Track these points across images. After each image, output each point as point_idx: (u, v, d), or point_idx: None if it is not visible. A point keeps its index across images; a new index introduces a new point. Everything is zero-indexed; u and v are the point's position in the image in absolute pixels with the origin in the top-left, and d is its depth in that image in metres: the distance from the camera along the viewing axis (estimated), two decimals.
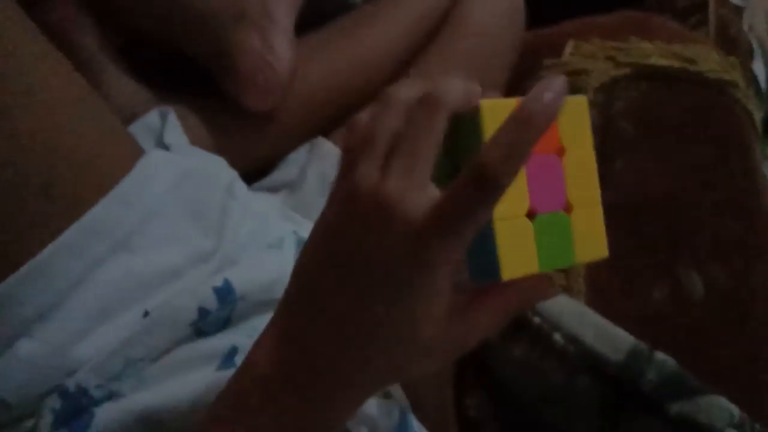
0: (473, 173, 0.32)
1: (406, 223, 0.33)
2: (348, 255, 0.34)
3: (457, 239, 0.33)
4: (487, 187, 0.32)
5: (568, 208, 0.39)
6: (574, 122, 0.39)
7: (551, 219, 0.38)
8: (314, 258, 0.36)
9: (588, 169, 0.40)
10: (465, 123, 0.36)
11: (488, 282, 0.37)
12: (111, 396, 0.49)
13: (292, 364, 0.36)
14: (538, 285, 0.38)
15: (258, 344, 0.38)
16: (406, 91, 0.35)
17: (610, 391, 0.63)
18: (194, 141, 0.63)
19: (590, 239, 0.40)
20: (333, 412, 0.37)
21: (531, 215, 0.37)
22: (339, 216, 0.35)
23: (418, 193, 0.33)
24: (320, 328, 0.36)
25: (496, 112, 0.35)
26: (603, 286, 0.69)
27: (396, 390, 0.56)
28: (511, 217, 0.36)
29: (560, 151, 0.39)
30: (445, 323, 0.35)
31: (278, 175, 0.71)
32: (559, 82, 0.33)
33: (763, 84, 1.07)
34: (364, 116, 0.36)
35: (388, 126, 0.35)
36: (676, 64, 0.77)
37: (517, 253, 0.37)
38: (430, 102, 0.34)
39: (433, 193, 0.34)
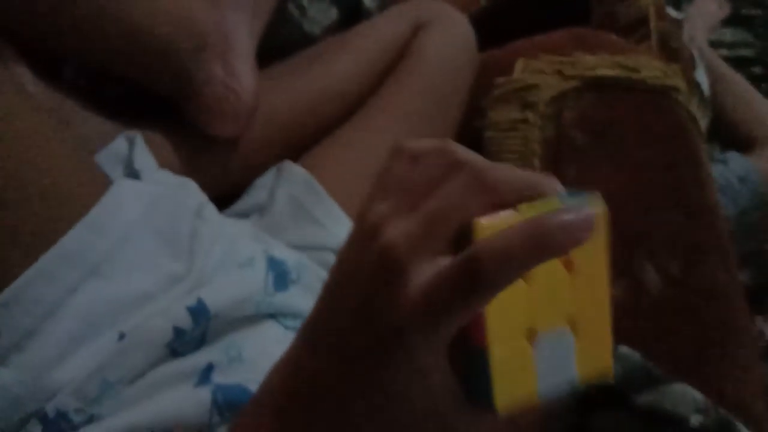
0: (466, 264, 0.29)
1: (404, 295, 0.30)
2: (350, 303, 0.32)
3: (438, 325, 0.30)
4: (476, 284, 0.29)
5: (573, 326, 0.34)
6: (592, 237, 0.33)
7: (553, 338, 0.34)
8: (324, 302, 0.35)
9: (599, 278, 0.35)
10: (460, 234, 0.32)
11: (485, 409, 0.33)
12: (91, 419, 0.49)
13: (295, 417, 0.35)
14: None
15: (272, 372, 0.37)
16: (462, 151, 0.32)
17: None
18: (162, 164, 0.64)
19: (596, 358, 0.35)
20: None
21: (531, 335, 0.33)
22: (349, 254, 0.33)
23: (428, 258, 0.30)
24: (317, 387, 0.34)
25: (491, 228, 0.31)
26: None
27: None
28: (509, 340, 0.32)
29: (569, 265, 0.34)
30: (442, 412, 0.32)
31: (247, 200, 0.72)
32: (589, 212, 0.30)
33: (706, 91, 1.13)
34: (410, 153, 0.33)
35: (428, 176, 0.32)
36: (620, 73, 0.80)
37: (514, 379, 0.32)
38: (463, 165, 0.31)
39: (440, 264, 0.30)
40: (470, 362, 0.32)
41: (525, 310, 0.33)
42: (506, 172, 0.31)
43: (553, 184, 0.32)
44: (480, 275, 0.29)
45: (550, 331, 0.33)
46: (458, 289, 0.30)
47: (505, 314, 0.32)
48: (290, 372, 0.35)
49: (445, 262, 0.30)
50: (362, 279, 0.32)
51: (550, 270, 0.33)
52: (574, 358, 0.34)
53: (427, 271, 0.30)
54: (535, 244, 0.29)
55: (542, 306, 0.33)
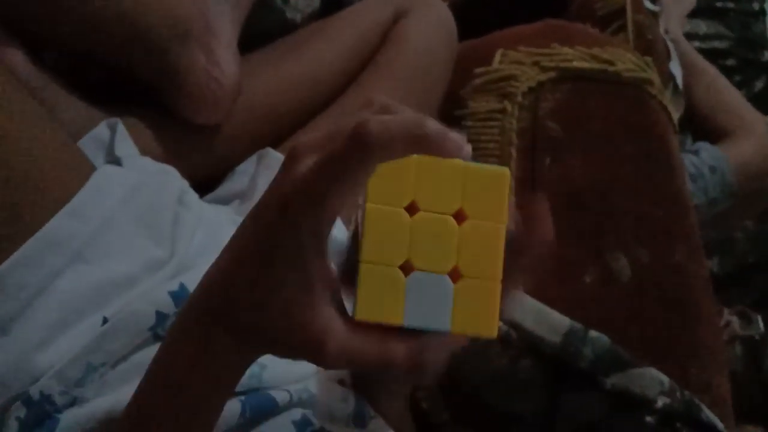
0: (354, 130, 0.33)
1: (290, 178, 0.34)
2: (261, 208, 0.36)
3: (323, 193, 0.33)
4: (355, 147, 0.32)
5: (455, 276, 0.37)
6: (490, 194, 0.37)
7: (429, 279, 0.36)
8: (241, 230, 0.38)
9: (494, 243, 0.37)
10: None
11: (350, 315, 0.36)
12: (75, 402, 0.50)
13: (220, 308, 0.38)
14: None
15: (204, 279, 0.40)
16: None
17: (551, 371, 0.67)
18: (144, 151, 0.65)
19: (477, 313, 0.37)
20: (231, 362, 0.38)
21: (407, 269, 0.36)
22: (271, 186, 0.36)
23: (311, 158, 0.34)
24: (237, 283, 0.37)
25: (380, 219, 0.35)
26: (539, 275, 0.73)
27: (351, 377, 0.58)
28: (382, 263, 0.36)
29: (460, 216, 0.37)
30: (318, 304, 0.35)
31: (228, 187, 0.73)
32: (461, 137, 0.35)
33: (680, 83, 1.15)
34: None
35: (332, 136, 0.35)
36: (595, 66, 0.82)
37: (379, 299, 0.36)
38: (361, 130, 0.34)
39: None
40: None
41: (404, 243, 0.36)
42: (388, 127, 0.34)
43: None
44: (363, 140, 0.32)
45: (427, 272, 0.36)
46: (342, 146, 0.33)
47: (383, 238, 0.35)
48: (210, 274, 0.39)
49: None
50: (266, 201, 0.36)
51: (436, 217, 0.36)
52: (450, 307, 0.37)
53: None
54: (413, 134, 0.33)
55: (423, 246, 0.36)
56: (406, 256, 0.36)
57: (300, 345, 0.36)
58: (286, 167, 0.35)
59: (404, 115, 0.35)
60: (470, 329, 0.37)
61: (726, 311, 1.16)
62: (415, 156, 0.36)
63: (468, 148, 0.36)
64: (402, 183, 0.36)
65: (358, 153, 0.33)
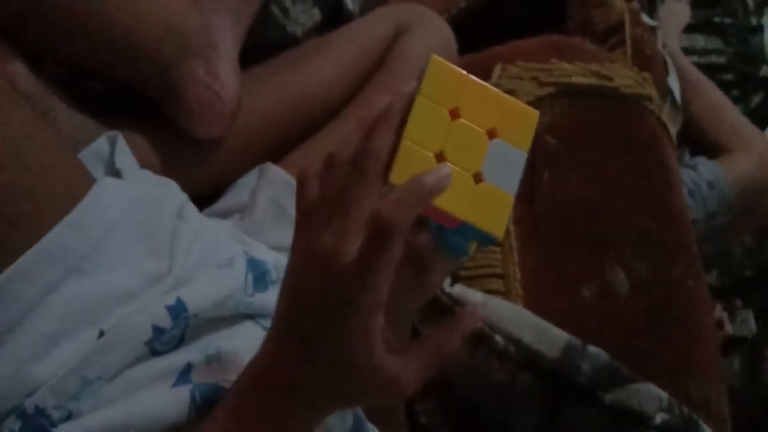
0: (372, 224, 0.39)
1: (337, 269, 0.40)
2: (303, 299, 0.42)
3: (374, 277, 0.39)
4: (384, 236, 0.39)
5: (477, 179, 0.43)
6: (520, 125, 0.44)
7: (455, 173, 0.42)
8: (287, 301, 0.44)
9: (515, 164, 0.44)
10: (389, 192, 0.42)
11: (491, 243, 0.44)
12: (70, 416, 0.50)
13: (275, 390, 0.44)
14: (464, 322, 0.45)
15: (249, 367, 0.46)
16: (345, 150, 0.42)
17: (549, 386, 0.67)
18: (144, 164, 0.65)
19: (491, 216, 0.44)
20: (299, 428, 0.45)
21: (439, 158, 0.43)
22: (297, 271, 0.43)
23: (349, 244, 0.40)
24: (296, 358, 0.43)
25: (405, 172, 0.41)
26: (538, 289, 0.73)
27: None
28: (420, 145, 0.42)
29: (491, 134, 0.43)
30: (382, 357, 0.41)
31: (229, 200, 0.73)
32: (445, 171, 0.41)
33: (677, 97, 1.15)
34: (312, 176, 0.44)
35: (330, 187, 0.42)
36: (594, 81, 0.83)
37: (493, 212, 0.43)
38: (360, 164, 0.41)
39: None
40: (469, 234, 0.44)
41: (441, 137, 0.42)
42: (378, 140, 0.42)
43: None
44: (384, 225, 0.39)
45: (485, 160, 0.43)
46: (374, 240, 0.39)
47: (425, 126, 0.42)
48: (260, 368, 0.45)
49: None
50: (310, 276, 0.42)
51: (472, 127, 0.43)
52: (510, 146, 0.43)
53: (353, 247, 0.40)
54: (416, 193, 0.40)
55: (456, 145, 0.43)
56: (441, 147, 0.42)
57: (379, 388, 0.42)
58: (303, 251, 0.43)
59: (403, 190, 0.40)
60: (530, 134, 0.44)
61: (718, 307, 1.16)
62: (464, 75, 0.43)
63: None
64: (451, 91, 0.43)
65: (387, 244, 0.39)
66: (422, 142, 0.42)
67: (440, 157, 0.43)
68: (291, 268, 0.44)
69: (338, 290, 0.40)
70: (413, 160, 0.42)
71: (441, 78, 0.43)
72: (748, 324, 1.19)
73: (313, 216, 0.42)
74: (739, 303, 1.22)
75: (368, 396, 0.44)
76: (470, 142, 0.43)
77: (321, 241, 0.41)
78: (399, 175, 0.42)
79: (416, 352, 0.43)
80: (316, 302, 0.41)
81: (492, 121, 0.44)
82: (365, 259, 0.39)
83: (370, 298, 0.40)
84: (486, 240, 0.44)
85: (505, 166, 0.44)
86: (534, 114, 0.45)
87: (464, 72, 0.44)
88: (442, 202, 0.42)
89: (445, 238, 0.46)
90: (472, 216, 0.43)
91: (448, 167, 0.42)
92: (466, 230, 0.44)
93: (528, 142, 0.45)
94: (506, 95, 0.44)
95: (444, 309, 0.71)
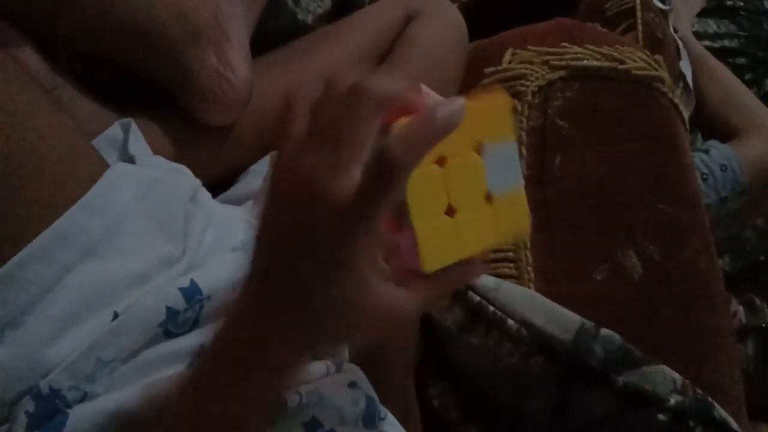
0: (378, 161, 0.36)
1: (331, 204, 0.37)
2: (288, 233, 0.39)
3: (372, 217, 0.37)
4: (388, 174, 0.36)
5: (489, 199, 0.43)
6: (497, 119, 0.42)
7: (471, 213, 0.42)
8: (264, 235, 0.40)
9: (510, 158, 0.43)
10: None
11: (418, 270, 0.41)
12: (84, 397, 0.50)
13: (257, 330, 0.40)
14: (465, 270, 0.43)
15: (228, 315, 0.42)
16: (345, 80, 0.39)
17: (562, 369, 0.67)
18: (156, 151, 0.65)
19: (515, 222, 0.44)
20: (283, 371, 0.42)
21: (450, 212, 0.41)
22: (280, 203, 0.39)
23: (343, 176, 0.37)
24: (272, 301, 0.40)
25: (418, 182, 0.39)
26: (550, 272, 0.73)
27: (362, 380, 0.59)
28: (431, 220, 0.40)
29: (479, 148, 0.42)
30: (376, 291, 0.39)
31: (242, 187, 0.73)
32: (459, 102, 0.38)
33: (690, 82, 1.14)
34: (305, 99, 0.40)
35: (325, 114, 0.39)
36: (605, 64, 0.82)
37: (439, 247, 0.41)
38: (358, 92, 0.38)
39: (357, 175, 0.37)
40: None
41: (443, 194, 0.41)
42: (389, 87, 0.38)
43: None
44: (390, 166, 0.36)
45: (468, 209, 0.41)
46: (378, 177, 0.36)
47: (425, 198, 0.40)
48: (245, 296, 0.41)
49: (357, 174, 0.37)
50: (297, 208, 0.38)
51: (462, 158, 0.41)
52: (432, 220, 0.41)
53: (348, 181, 0.37)
54: (428, 128, 0.37)
55: (459, 188, 0.41)
56: (447, 202, 0.41)
57: (373, 324, 0.40)
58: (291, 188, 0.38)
59: (415, 122, 0.37)
60: (509, 237, 0.44)
61: (734, 301, 1.16)
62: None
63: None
64: None
65: (391, 180, 0.36)
66: (431, 215, 0.40)
67: (451, 211, 0.41)
68: (272, 199, 0.40)
69: (332, 226, 0.37)
70: (434, 236, 0.40)
71: (495, 112, 0.42)
72: (762, 314, 1.18)
73: (302, 141, 0.39)
74: (756, 299, 1.21)
75: (362, 332, 0.41)
76: (470, 183, 0.42)
77: (312, 171, 0.37)
78: (431, 262, 0.40)
79: (414, 282, 0.40)
80: (304, 238, 0.38)
81: (472, 134, 0.42)
82: (365, 195, 0.36)
83: (367, 235, 0.37)
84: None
85: (502, 165, 0.43)
86: (504, 101, 0.43)
87: (514, 131, 0.43)
88: (470, 248, 0.41)
89: None
90: (500, 236, 0.43)
91: (460, 101, 0.39)
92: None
93: (511, 129, 0.43)
94: (470, 102, 0.42)
95: (455, 293, 0.71)
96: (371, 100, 0.38)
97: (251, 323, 0.40)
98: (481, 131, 0.42)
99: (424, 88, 0.43)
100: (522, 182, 0.44)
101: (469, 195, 0.42)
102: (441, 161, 0.41)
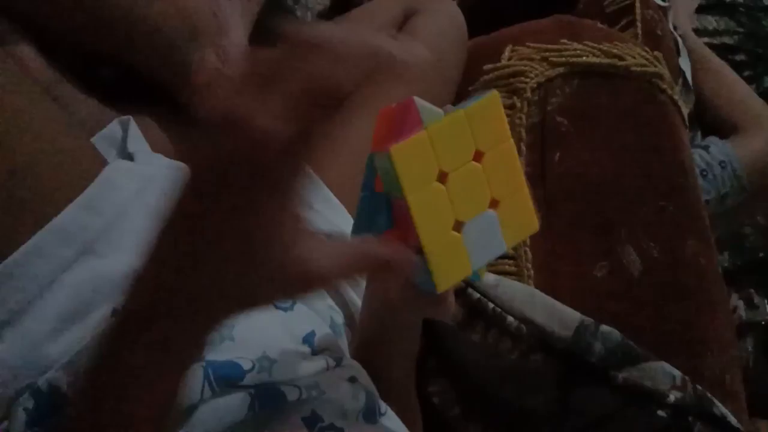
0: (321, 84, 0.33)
1: (270, 145, 0.33)
2: (215, 174, 0.35)
3: (299, 155, 0.34)
4: (331, 100, 0.34)
5: (494, 204, 0.42)
6: (491, 120, 0.42)
7: (477, 222, 0.41)
8: (186, 179, 0.37)
9: (509, 158, 0.43)
10: (382, 164, 0.40)
11: (429, 290, 0.41)
12: None
13: (163, 286, 0.38)
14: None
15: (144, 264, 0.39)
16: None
17: (562, 365, 0.67)
18: (155, 148, 0.65)
19: (521, 221, 0.43)
20: (198, 325, 0.38)
21: (458, 226, 0.41)
22: (209, 136, 0.35)
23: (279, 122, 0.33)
24: (189, 245, 0.37)
25: (405, 152, 0.39)
26: (550, 269, 0.73)
27: (362, 376, 0.59)
28: (439, 239, 0.40)
29: (478, 156, 0.42)
30: (292, 240, 0.36)
31: None
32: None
33: (689, 78, 1.14)
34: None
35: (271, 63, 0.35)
36: (605, 60, 0.82)
37: (450, 266, 0.41)
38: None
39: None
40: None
41: (448, 209, 0.40)
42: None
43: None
44: (334, 89, 0.34)
45: (475, 217, 0.41)
46: (317, 103, 0.34)
47: (432, 218, 0.39)
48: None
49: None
50: (233, 158, 0.34)
51: (463, 170, 0.41)
52: (500, 231, 0.42)
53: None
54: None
55: (463, 200, 0.41)
56: (454, 217, 0.41)
57: (288, 282, 0.37)
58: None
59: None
60: (520, 237, 0.44)
61: (734, 295, 1.16)
62: (425, 131, 0.40)
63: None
64: (425, 160, 0.40)
65: (333, 105, 0.34)
66: (437, 148, 0.40)
67: (443, 178, 0.41)
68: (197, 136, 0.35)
69: (254, 159, 0.33)
70: (420, 153, 0.40)
71: (489, 115, 0.42)
72: (762, 310, 1.18)
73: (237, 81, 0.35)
74: (754, 293, 1.21)
75: (274, 293, 0.38)
76: (473, 192, 0.42)
77: (240, 105, 0.33)
78: (399, 153, 0.40)
79: (340, 247, 0.37)
80: (223, 175, 0.34)
81: (501, 194, 0.42)
82: (298, 127, 0.33)
83: (291, 172, 0.35)
84: (426, 283, 0.42)
85: (484, 240, 0.42)
86: (534, 225, 0.44)
87: (508, 130, 0.43)
88: (419, 219, 0.40)
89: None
90: (433, 253, 0.41)
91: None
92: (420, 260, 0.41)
93: (513, 243, 0.44)
94: (526, 185, 0.43)
95: (456, 291, 0.71)
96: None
97: (169, 262, 0.37)
98: (478, 136, 0.42)
99: (418, 101, 0.43)
100: (524, 181, 0.44)
101: (474, 205, 0.42)
102: (443, 177, 0.41)
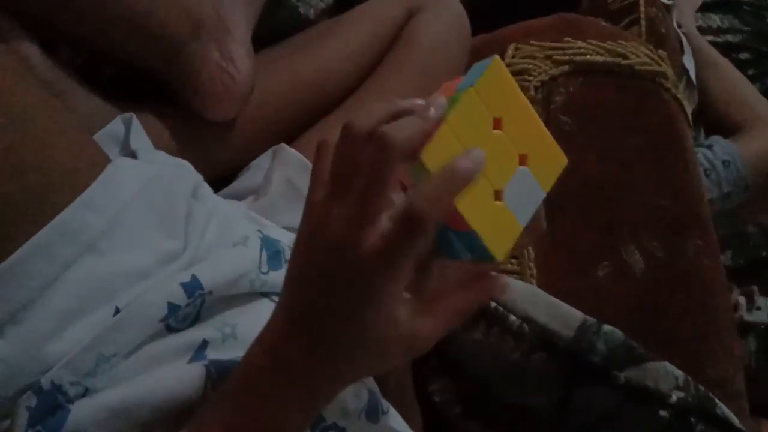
0: (404, 217, 0.38)
1: (357, 258, 0.39)
2: (319, 283, 0.41)
3: (399, 268, 0.39)
4: (414, 228, 0.38)
5: (523, 161, 0.44)
6: (499, 87, 0.43)
7: (513, 183, 0.43)
8: (296, 284, 0.44)
9: (525, 112, 0.44)
10: (417, 172, 0.41)
11: (487, 260, 0.43)
12: (86, 392, 0.50)
13: (290, 362, 0.43)
14: (489, 286, 0.45)
15: (258, 342, 0.45)
16: (364, 123, 0.41)
17: (564, 365, 0.67)
18: (158, 145, 0.65)
19: (550, 165, 0.45)
20: (316, 400, 0.45)
21: (498, 194, 0.43)
22: (305, 252, 0.42)
23: (370, 229, 0.39)
24: (308, 339, 0.43)
25: (434, 152, 0.41)
26: (552, 269, 0.73)
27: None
28: (485, 213, 0.42)
29: (497, 123, 0.43)
30: (407, 324, 0.41)
31: (243, 182, 0.73)
32: (478, 158, 0.40)
33: (693, 77, 1.14)
34: (329, 149, 0.42)
35: (347, 162, 0.41)
36: (609, 59, 0.82)
37: (500, 234, 0.42)
38: (380, 143, 0.39)
39: (382, 226, 0.40)
40: (470, 243, 0.43)
41: (487, 184, 0.42)
42: (402, 134, 0.40)
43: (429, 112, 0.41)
44: (416, 222, 0.38)
45: (510, 181, 0.43)
46: (404, 231, 0.39)
47: (472, 199, 0.41)
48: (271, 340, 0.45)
49: (384, 225, 0.40)
50: (328, 259, 0.41)
51: (489, 142, 0.43)
52: (536, 180, 0.44)
53: (375, 234, 0.39)
54: (449, 181, 0.40)
55: (496, 170, 0.43)
56: (492, 188, 0.43)
57: (409, 348, 0.42)
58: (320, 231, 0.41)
59: (435, 181, 0.39)
60: (553, 177, 0.45)
61: (736, 290, 1.16)
62: (445, 124, 0.41)
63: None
64: (500, 99, 0.43)
65: (417, 234, 0.39)
66: (461, 135, 0.42)
67: (498, 195, 0.43)
68: (299, 246, 0.43)
69: (354, 281, 0.40)
70: (448, 147, 0.41)
71: (496, 82, 0.43)
72: (763, 313, 1.18)
73: (328, 192, 0.41)
74: (756, 293, 1.21)
75: (389, 361, 0.43)
76: (502, 158, 0.43)
77: (340, 223, 0.40)
78: (430, 156, 0.41)
79: (436, 310, 0.42)
80: (326, 288, 0.41)
81: (526, 147, 0.44)
82: (393, 249, 0.39)
83: (392, 288, 0.40)
84: (484, 256, 0.44)
85: (524, 196, 0.44)
86: (563, 160, 0.46)
87: (517, 87, 0.44)
88: (461, 203, 0.41)
89: (444, 237, 0.45)
90: (483, 229, 0.43)
91: (481, 151, 0.41)
92: (469, 239, 0.43)
93: (549, 185, 0.45)
94: (545, 129, 0.45)
95: None
96: (391, 150, 0.39)
97: (281, 363, 0.43)
98: (533, 155, 0.44)
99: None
100: (524, 227, 0.45)
101: (492, 169, 0.43)
102: (497, 123, 0.43)
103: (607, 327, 0.66)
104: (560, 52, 0.83)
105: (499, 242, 0.43)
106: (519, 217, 0.43)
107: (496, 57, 0.43)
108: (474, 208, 0.41)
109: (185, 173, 0.62)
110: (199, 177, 0.63)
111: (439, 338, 0.42)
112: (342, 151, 0.41)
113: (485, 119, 0.43)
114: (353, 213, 0.40)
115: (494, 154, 0.43)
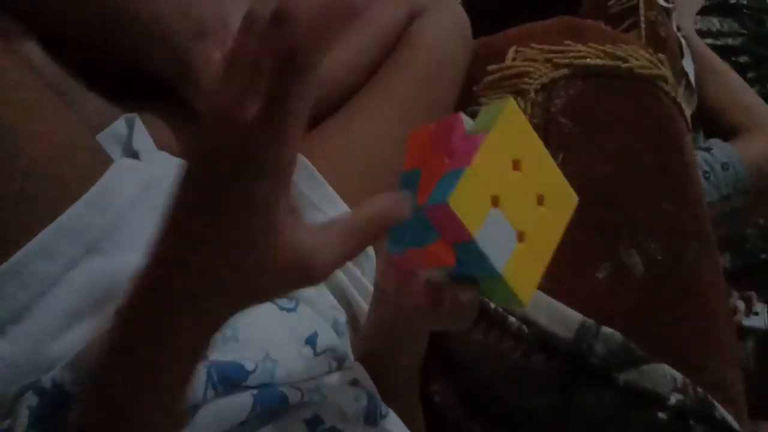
0: (280, 56, 0.33)
1: (242, 124, 0.34)
2: (204, 165, 0.36)
3: (282, 128, 0.34)
4: (295, 62, 0.33)
5: (520, 237, 0.44)
6: (515, 129, 0.44)
7: (503, 224, 0.43)
8: (183, 172, 0.38)
9: (540, 153, 0.45)
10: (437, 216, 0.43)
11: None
12: None
13: (162, 283, 0.39)
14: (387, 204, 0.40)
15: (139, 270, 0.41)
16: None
17: (563, 367, 0.67)
18: (161, 146, 0.65)
19: (562, 203, 0.47)
20: (191, 329, 0.40)
21: (495, 202, 0.43)
22: (197, 137, 0.37)
23: (255, 97, 0.34)
24: (180, 249, 0.38)
25: (461, 198, 0.42)
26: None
27: (364, 378, 0.59)
28: (480, 183, 0.42)
29: (516, 165, 0.44)
30: (288, 234, 0.37)
31: None
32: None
33: (693, 80, 1.14)
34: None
35: (242, 46, 0.36)
36: (608, 62, 0.82)
37: (468, 203, 0.42)
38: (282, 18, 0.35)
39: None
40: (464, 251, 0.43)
41: (501, 184, 0.43)
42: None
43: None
44: (296, 55, 0.33)
45: (504, 216, 0.43)
46: (283, 74, 0.33)
47: (497, 243, 0.43)
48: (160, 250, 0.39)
49: None
50: (216, 151, 0.35)
51: (510, 185, 0.43)
52: (507, 258, 0.43)
53: (256, 102, 0.34)
54: (329, 14, 0.34)
55: (517, 212, 0.43)
56: (498, 192, 0.43)
57: (283, 273, 0.37)
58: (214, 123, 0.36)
59: (315, 12, 0.34)
60: (567, 217, 0.46)
61: (735, 294, 1.16)
62: (470, 168, 0.42)
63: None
64: (517, 141, 0.44)
65: (300, 70, 0.33)
66: (484, 178, 0.42)
67: (495, 201, 0.43)
68: (194, 135, 0.37)
69: (240, 148, 0.34)
70: (473, 191, 0.42)
71: (513, 124, 0.44)
72: (761, 318, 1.18)
73: (221, 76, 0.36)
74: (754, 297, 1.21)
75: (272, 285, 0.38)
76: (523, 200, 0.44)
77: (223, 97, 0.35)
78: (457, 203, 0.41)
79: (333, 230, 0.38)
80: (214, 167, 0.35)
81: (542, 188, 0.45)
82: (271, 105, 0.34)
83: (277, 154, 0.34)
84: (509, 301, 0.45)
85: (544, 236, 0.45)
86: (574, 199, 0.47)
87: (531, 127, 0.45)
88: (547, 254, 0.44)
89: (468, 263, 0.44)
90: (509, 274, 0.43)
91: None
92: (492, 282, 0.44)
93: (564, 225, 0.47)
94: (558, 169, 0.45)
95: None
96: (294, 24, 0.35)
97: (167, 263, 0.39)
98: (549, 196, 0.45)
99: (464, 117, 0.46)
100: (548, 259, 0.46)
101: (513, 210, 0.43)
102: (516, 165, 0.43)
103: (605, 329, 0.67)
104: (560, 55, 0.83)
105: (525, 285, 0.44)
106: (481, 233, 0.43)
107: (511, 99, 0.44)
108: (502, 256, 0.42)
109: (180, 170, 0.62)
110: None
111: (328, 270, 0.38)
112: (240, 39, 0.37)
113: (505, 161, 0.44)
114: (246, 85, 0.35)
115: (515, 196, 0.43)
